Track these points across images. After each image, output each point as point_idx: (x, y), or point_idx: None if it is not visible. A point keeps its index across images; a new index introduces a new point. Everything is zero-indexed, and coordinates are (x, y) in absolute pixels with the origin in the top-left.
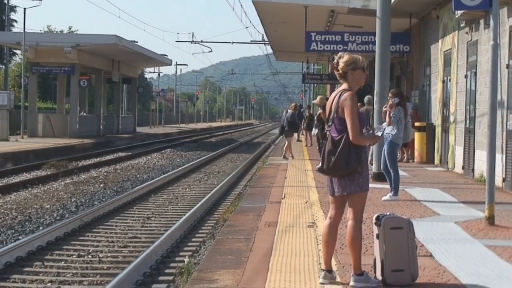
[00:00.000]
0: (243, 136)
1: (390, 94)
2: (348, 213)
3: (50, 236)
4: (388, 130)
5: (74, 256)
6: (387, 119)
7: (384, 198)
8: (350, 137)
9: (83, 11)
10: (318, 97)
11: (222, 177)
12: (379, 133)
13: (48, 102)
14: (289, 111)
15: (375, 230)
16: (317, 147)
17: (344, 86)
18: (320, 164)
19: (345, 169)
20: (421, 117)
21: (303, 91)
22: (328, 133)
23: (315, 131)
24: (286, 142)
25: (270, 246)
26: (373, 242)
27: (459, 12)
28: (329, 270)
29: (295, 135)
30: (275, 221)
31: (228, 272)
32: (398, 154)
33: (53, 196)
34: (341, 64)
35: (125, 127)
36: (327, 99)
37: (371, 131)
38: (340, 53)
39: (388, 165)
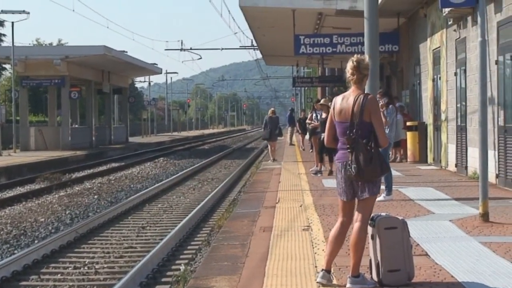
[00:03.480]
0: (235, 142)
1: (378, 95)
2: (356, 215)
3: (46, 249)
4: None
5: (70, 268)
6: (382, 120)
7: (378, 199)
8: (380, 142)
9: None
10: (323, 100)
11: (216, 184)
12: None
13: (40, 115)
14: (272, 116)
15: (370, 231)
16: (310, 150)
17: (358, 89)
18: (352, 169)
19: (380, 173)
20: (413, 116)
21: (294, 94)
22: (356, 138)
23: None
24: (271, 146)
25: (265, 251)
26: (368, 243)
27: (446, 10)
28: (328, 271)
29: (288, 138)
30: (270, 226)
31: (224, 279)
32: (391, 154)
33: (48, 209)
34: (364, 66)
35: (117, 137)
36: (318, 101)
37: None
38: (357, 56)
39: None
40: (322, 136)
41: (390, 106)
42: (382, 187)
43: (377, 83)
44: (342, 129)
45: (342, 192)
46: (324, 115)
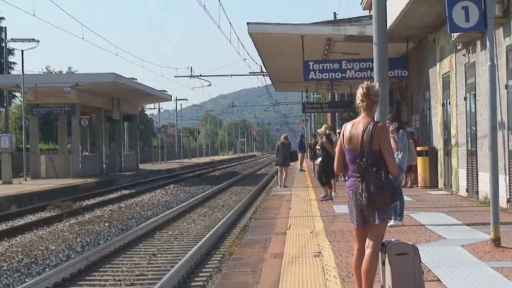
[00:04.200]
0: (246, 168)
1: (387, 120)
2: (368, 242)
3: (57, 277)
4: (394, 155)
5: None
6: (393, 144)
7: (389, 224)
8: (390, 169)
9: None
10: (323, 126)
11: (226, 210)
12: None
13: (50, 143)
14: (285, 142)
15: (381, 257)
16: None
17: (367, 117)
18: (362, 198)
19: (392, 201)
20: (423, 141)
21: (304, 120)
22: (366, 166)
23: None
24: (284, 172)
25: (277, 278)
26: (379, 269)
27: (455, 35)
28: None
29: (298, 164)
30: (281, 252)
31: None
32: (402, 179)
33: (59, 237)
34: (374, 93)
35: (127, 164)
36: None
37: None
38: (367, 83)
39: None
40: (319, 160)
41: (401, 131)
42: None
43: (386, 108)
44: (351, 157)
45: (353, 219)
46: (320, 141)
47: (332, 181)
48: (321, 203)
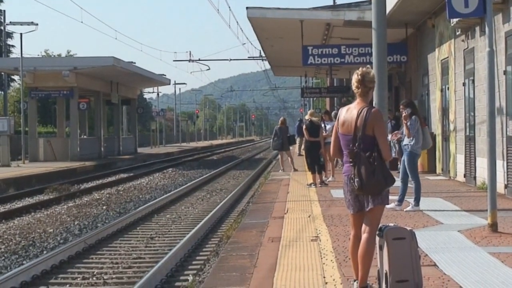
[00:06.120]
0: (244, 152)
1: (401, 106)
2: (364, 227)
3: (54, 259)
4: (406, 141)
5: (78, 279)
6: (405, 131)
7: (406, 209)
8: (384, 155)
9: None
10: (309, 112)
11: (224, 194)
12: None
13: (48, 126)
14: (282, 126)
15: (378, 241)
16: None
17: (363, 102)
18: (354, 183)
19: (385, 186)
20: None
21: (303, 105)
22: (358, 151)
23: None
24: (288, 156)
25: (274, 262)
26: (376, 253)
27: (454, 20)
28: (363, 287)
29: (297, 149)
30: (279, 237)
31: None
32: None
33: (56, 220)
34: (369, 79)
35: (126, 148)
36: (326, 112)
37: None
38: (363, 68)
39: (410, 176)
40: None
41: (413, 116)
42: (391, 197)
43: (385, 93)
44: (345, 142)
45: (349, 205)
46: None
47: (321, 168)
48: (320, 187)
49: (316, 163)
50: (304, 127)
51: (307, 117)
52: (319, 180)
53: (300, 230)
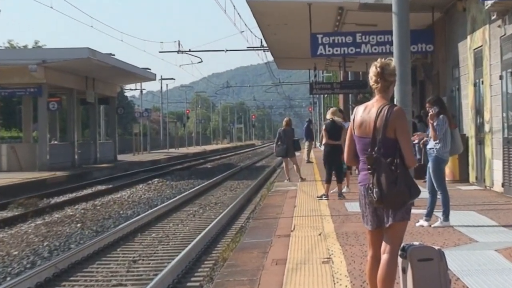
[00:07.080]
0: (243, 159)
1: (427, 104)
2: (384, 246)
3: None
4: (432, 145)
5: None
6: (431, 132)
7: (434, 225)
8: (407, 161)
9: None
10: (330, 110)
11: (220, 209)
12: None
13: (13, 130)
14: (287, 128)
15: (400, 263)
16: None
17: (382, 99)
18: (373, 194)
19: (409, 198)
20: None
21: (312, 103)
22: (377, 157)
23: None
24: (293, 164)
25: None
26: (399, 277)
27: (489, 3)
28: None
29: (305, 155)
30: (284, 258)
31: None
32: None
33: (22, 241)
34: (389, 72)
35: (104, 155)
36: (340, 111)
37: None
38: (382, 60)
39: (435, 185)
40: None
41: (441, 116)
42: (418, 211)
43: (408, 88)
44: (362, 146)
45: (366, 220)
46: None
47: (340, 176)
48: (332, 200)
49: (336, 171)
50: (324, 128)
51: (328, 116)
52: (337, 191)
53: (309, 250)
